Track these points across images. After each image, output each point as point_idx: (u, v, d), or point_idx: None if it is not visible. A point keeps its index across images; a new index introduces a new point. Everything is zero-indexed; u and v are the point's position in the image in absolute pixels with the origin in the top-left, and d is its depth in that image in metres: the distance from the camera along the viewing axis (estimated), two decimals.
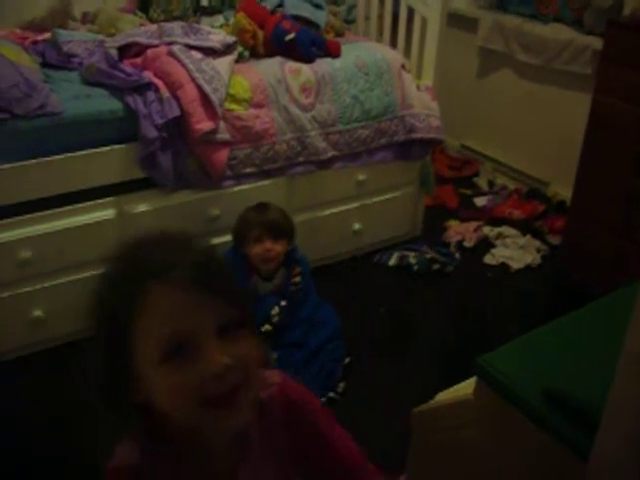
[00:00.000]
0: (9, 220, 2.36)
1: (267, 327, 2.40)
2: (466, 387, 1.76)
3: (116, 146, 2.48)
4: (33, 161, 2.33)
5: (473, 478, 1.63)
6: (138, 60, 2.65)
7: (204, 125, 2.50)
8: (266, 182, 2.79)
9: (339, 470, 1.11)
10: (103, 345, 0.93)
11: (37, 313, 2.47)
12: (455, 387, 1.85)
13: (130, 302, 0.88)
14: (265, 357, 0.99)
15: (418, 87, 3.09)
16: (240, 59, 2.74)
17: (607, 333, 1.61)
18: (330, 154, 2.87)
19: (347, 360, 2.52)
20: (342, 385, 2.42)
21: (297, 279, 2.48)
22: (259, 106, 2.66)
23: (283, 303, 2.44)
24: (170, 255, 0.92)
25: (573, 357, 1.68)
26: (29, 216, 2.39)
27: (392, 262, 3.22)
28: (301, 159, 2.80)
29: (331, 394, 2.37)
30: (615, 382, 1.23)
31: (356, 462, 1.13)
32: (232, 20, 2.93)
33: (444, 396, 1.84)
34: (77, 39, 2.75)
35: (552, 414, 1.53)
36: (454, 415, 1.75)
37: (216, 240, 2.74)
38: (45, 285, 2.48)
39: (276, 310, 2.42)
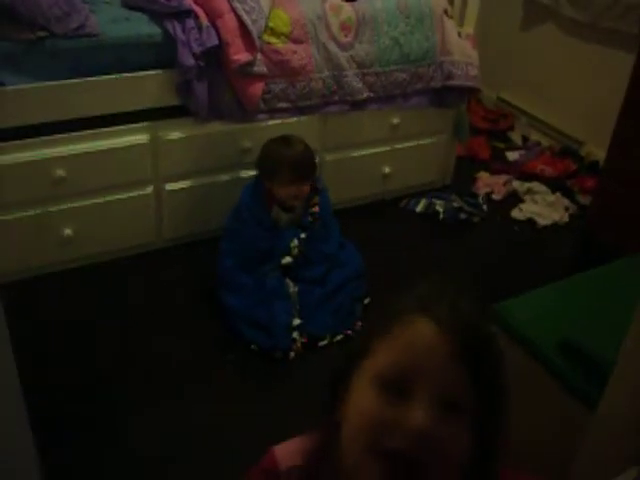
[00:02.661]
0: (45, 138, 2.39)
1: (287, 259, 2.43)
2: None
3: (153, 71, 2.49)
4: (71, 81, 2.35)
5: None
6: None
7: (241, 56, 2.49)
8: (299, 118, 2.79)
9: None
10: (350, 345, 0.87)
11: (67, 232, 2.53)
12: None
13: (386, 319, 0.84)
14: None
15: (459, 34, 3.04)
16: None
17: (628, 290, 1.62)
18: (365, 95, 2.85)
19: (367, 300, 2.55)
20: (360, 324, 2.45)
21: (315, 209, 2.49)
22: (298, 41, 2.64)
23: (302, 235, 2.45)
24: (453, 305, 0.83)
25: (592, 310, 1.70)
26: (65, 135, 2.42)
27: (419, 208, 3.23)
28: (336, 98, 2.79)
29: (349, 332, 2.41)
30: (627, 337, 1.25)
31: None
32: None
33: None
34: None
35: (566, 364, 1.55)
36: None
37: (245, 173, 2.76)
38: (77, 205, 2.52)
39: (295, 242, 2.43)
